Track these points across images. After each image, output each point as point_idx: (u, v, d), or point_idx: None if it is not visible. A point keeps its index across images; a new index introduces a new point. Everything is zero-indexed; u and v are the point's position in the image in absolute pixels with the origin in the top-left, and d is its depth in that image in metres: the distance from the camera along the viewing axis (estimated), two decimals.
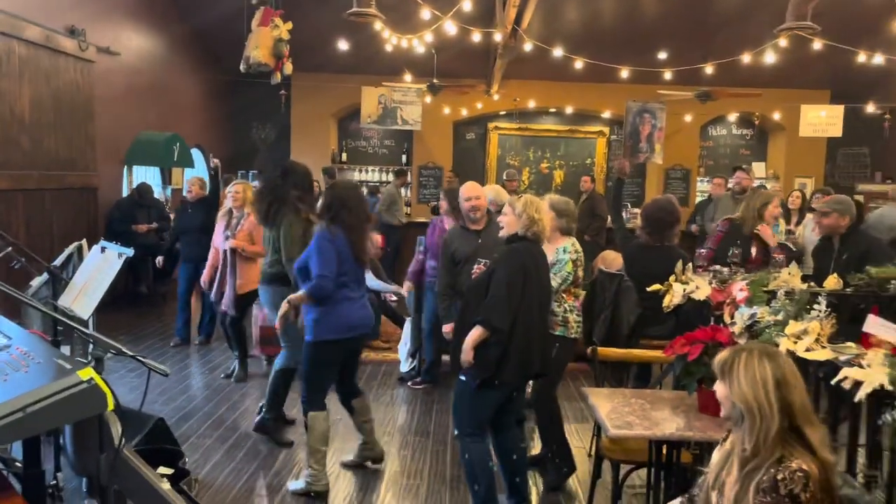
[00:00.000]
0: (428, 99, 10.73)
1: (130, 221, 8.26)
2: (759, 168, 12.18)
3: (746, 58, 8.32)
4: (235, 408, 5.16)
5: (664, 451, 3.21)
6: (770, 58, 8.21)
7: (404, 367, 6.20)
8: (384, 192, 10.81)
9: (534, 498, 3.96)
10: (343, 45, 9.48)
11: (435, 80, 10.41)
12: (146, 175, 9.83)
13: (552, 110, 12.63)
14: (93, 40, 7.91)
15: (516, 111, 12.33)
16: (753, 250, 4.91)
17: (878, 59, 8.15)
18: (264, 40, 5.32)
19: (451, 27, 6.14)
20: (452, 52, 10.03)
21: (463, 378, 3.49)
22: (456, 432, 3.62)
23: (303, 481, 3.87)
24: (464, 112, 12.23)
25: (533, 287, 3.45)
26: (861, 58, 8.19)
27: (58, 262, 3.71)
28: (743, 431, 2.12)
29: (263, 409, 4.63)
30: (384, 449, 4.35)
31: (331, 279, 3.70)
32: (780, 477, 1.99)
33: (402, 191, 11.37)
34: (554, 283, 3.75)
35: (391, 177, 11.73)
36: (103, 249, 3.15)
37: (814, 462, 2.02)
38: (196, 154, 10.67)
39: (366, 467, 4.24)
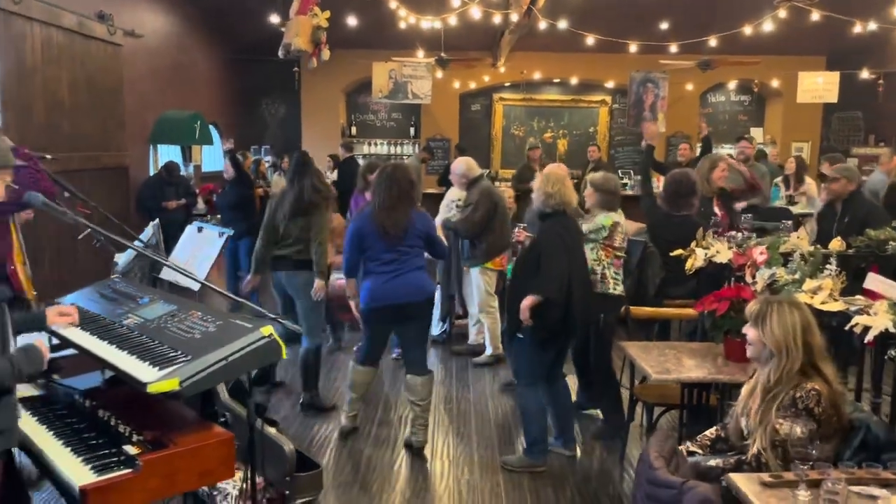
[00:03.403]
0: (439, 74, 11.02)
1: (160, 199, 8.58)
2: (756, 133, 12.57)
3: (748, 30, 8.66)
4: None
5: (695, 394, 3.70)
6: (768, 27, 8.57)
7: (436, 329, 6.65)
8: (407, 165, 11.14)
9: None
10: (352, 21, 9.75)
11: (443, 54, 10.71)
12: (168, 153, 10.15)
13: (556, 81, 12.95)
14: (119, 24, 8.18)
15: (522, 82, 12.64)
16: (718, 211, 5.38)
17: (872, 25, 8.52)
18: (304, 28, 5.63)
19: (475, 12, 6.45)
20: (460, 26, 10.32)
21: (521, 336, 3.97)
22: (514, 381, 4.13)
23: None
24: (472, 85, 12.55)
25: (574, 254, 3.91)
26: (857, 28, 8.55)
27: (144, 238, 4.10)
28: (770, 367, 2.60)
29: (302, 392, 4.99)
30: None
31: (349, 259, 4.21)
32: (797, 395, 2.49)
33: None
34: (593, 244, 4.20)
35: (404, 149, 12.07)
36: (200, 229, 3.55)
37: (825, 386, 2.51)
38: (213, 132, 10.99)
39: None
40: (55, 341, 2.57)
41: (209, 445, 2.11)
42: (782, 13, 8.20)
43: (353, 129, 13.28)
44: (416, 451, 4.30)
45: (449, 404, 5.10)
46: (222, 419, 2.39)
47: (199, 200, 9.28)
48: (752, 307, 2.63)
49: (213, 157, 11.61)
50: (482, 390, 5.39)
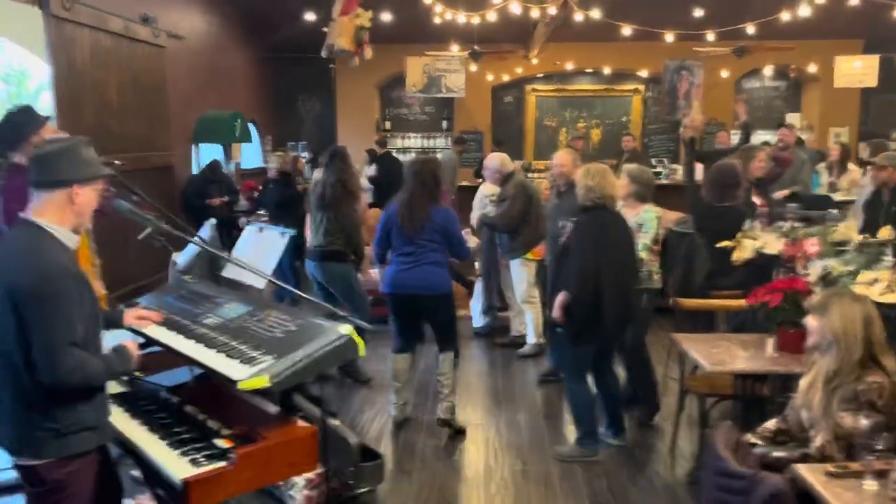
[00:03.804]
0: (473, 67, 11.07)
1: (204, 196, 8.77)
2: (793, 119, 12.41)
3: (786, 16, 8.56)
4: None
5: (748, 385, 3.73)
6: (805, 11, 8.46)
7: (478, 321, 6.74)
8: (443, 158, 11.22)
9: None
10: (386, 17, 9.84)
11: (476, 48, 10.76)
12: (209, 151, 10.35)
13: (588, 71, 12.91)
14: (162, 26, 8.37)
15: (556, 73, 12.64)
16: (757, 200, 5.40)
17: None
18: (347, 29, 5.74)
19: (514, 7, 6.50)
20: (493, 19, 10.34)
21: (560, 330, 4.05)
22: (562, 376, 4.21)
23: None
24: (505, 77, 12.57)
25: (609, 250, 3.92)
26: None
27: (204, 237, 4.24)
28: (829, 357, 2.65)
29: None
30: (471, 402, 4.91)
31: (376, 249, 4.45)
32: (859, 388, 2.54)
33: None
34: (646, 241, 4.24)
35: (437, 142, 12.15)
36: (261, 230, 3.68)
37: (887, 379, 2.55)
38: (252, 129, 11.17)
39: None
40: (140, 340, 2.71)
41: (297, 439, 2.23)
42: None
43: (387, 124, 13.39)
44: (456, 434, 4.48)
45: (497, 396, 5.19)
46: (300, 413, 2.50)
47: (241, 197, 9.47)
48: (815, 298, 2.68)
49: (252, 155, 11.81)
50: (528, 381, 5.47)
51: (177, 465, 2.12)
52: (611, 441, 4.29)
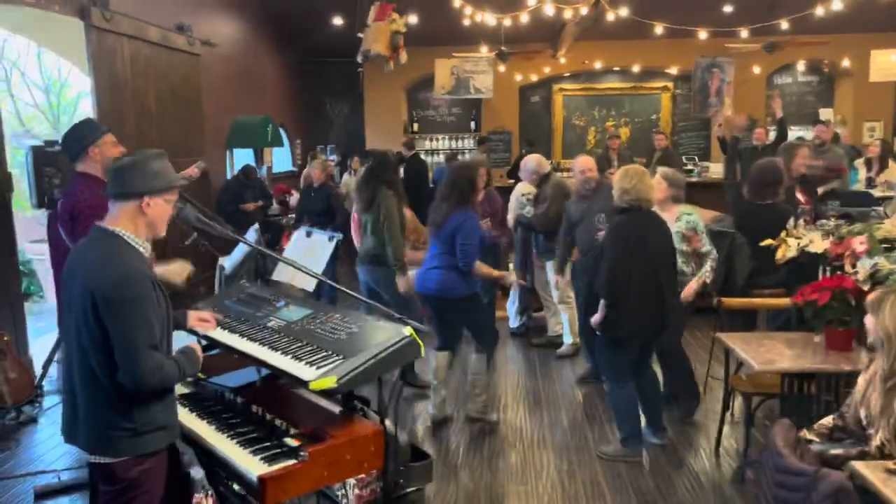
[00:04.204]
0: (502, 68, 11.09)
1: (239, 201, 8.92)
2: (826, 114, 12.26)
3: (820, 11, 8.47)
4: None
5: (795, 383, 3.73)
6: (837, 5, 8.36)
7: (514, 322, 6.78)
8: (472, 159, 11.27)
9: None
10: (412, 19, 9.91)
11: (503, 48, 10.77)
12: (241, 156, 10.50)
13: (616, 69, 12.87)
14: (197, 34, 8.52)
15: (583, 72, 12.62)
16: (801, 198, 5.38)
17: None
18: (382, 34, 5.81)
19: (547, 8, 6.52)
20: (520, 18, 10.37)
21: (598, 333, 4.08)
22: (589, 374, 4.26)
23: None
24: (533, 77, 12.58)
25: (644, 253, 3.93)
26: None
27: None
28: (884, 355, 2.65)
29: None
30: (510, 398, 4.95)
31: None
32: None
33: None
34: (706, 239, 4.29)
35: (465, 143, 12.20)
36: (309, 234, 3.76)
37: None
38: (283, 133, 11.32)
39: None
40: (203, 342, 2.79)
41: (365, 437, 2.29)
42: None
43: (415, 126, 13.47)
44: (490, 427, 4.60)
45: (537, 396, 5.22)
46: (360, 412, 2.56)
47: (274, 201, 9.61)
48: (872, 296, 2.69)
49: (282, 159, 11.95)
50: (568, 380, 5.50)
51: (251, 463, 2.19)
52: (652, 440, 4.30)
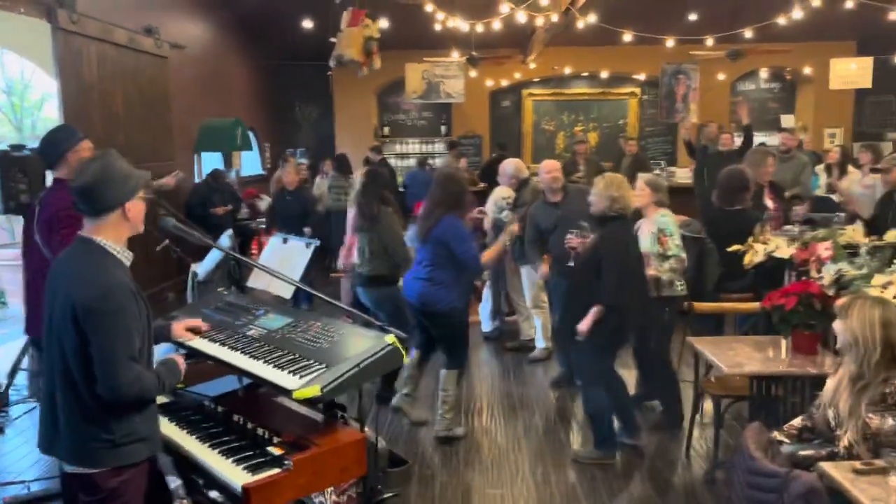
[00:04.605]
0: (472, 73, 11.15)
1: (208, 205, 8.82)
2: (788, 120, 12.59)
3: (782, 20, 8.69)
4: None
5: (763, 386, 3.83)
6: (798, 14, 8.59)
7: (487, 326, 6.82)
8: (441, 164, 11.28)
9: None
10: (384, 23, 9.92)
11: (474, 53, 10.84)
12: (210, 160, 10.39)
13: (584, 74, 13.04)
14: (164, 37, 8.42)
15: (553, 77, 12.76)
16: (771, 204, 5.52)
17: None
18: (356, 39, 5.81)
19: (520, 16, 6.59)
20: (492, 25, 10.44)
21: (579, 340, 4.13)
22: (578, 383, 4.28)
23: None
24: (503, 82, 12.67)
25: (634, 258, 4.06)
26: (893, 15, 8.54)
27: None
28: (852, 358, 2.75)
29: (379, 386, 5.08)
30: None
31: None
32: (887, 391, 2.63)
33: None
34: (677, 242, 4.36)
35: (435, 147, 12.23)
36: (285, 241, 3.75)
37: None
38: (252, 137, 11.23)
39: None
40: (182, 352, 2.77)
41: (348, 444, 2.30)
42: (815, 1, 8.22)
43: (386, 129, 13.47)
44: (449, 442, 4.52)
45: (511, 400, 5.27)
46: (341, 419, 2.57)
47: (243, 205, 9.52)
48: (841, 301, 2.79)
49: (252, 162, 11.85)
50: (542, 384, 5.56)
51: (234, 473, 2.19)
52: (627, 441, 4.37)
